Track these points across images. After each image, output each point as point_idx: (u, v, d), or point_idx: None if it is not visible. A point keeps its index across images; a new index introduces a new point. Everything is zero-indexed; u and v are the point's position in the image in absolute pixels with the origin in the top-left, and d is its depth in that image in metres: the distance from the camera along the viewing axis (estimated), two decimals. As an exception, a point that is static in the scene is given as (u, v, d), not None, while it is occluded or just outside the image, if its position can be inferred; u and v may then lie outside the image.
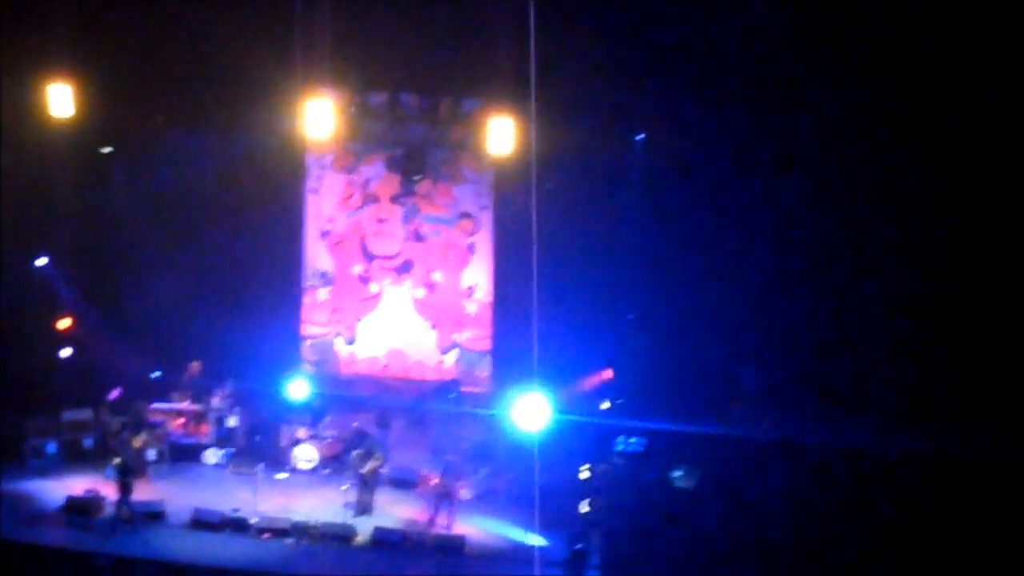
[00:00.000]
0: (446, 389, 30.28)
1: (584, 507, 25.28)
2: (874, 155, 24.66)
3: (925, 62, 23.45)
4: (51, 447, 27.71)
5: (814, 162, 25.64)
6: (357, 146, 32.14)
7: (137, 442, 26.95)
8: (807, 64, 24.80)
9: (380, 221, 32.61)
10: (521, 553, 24.14)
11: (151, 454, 27.29)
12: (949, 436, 23.09)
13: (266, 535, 24.11)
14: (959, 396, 23.44)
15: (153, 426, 27.90)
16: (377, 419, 29.38)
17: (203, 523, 24.26)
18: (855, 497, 23.25)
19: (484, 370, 32.52)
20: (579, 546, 23.90)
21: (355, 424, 28.61)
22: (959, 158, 23.55)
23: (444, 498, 25.29)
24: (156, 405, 28.46)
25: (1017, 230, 23.28)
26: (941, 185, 23.91)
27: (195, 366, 29.58)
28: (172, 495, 25.55)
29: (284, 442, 28.29)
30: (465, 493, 26.82)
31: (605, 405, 28.41)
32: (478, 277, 32.44)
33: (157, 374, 30.09)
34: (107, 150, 30.87)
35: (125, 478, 24.47)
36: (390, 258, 32.70)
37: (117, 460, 25.17)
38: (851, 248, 25.47)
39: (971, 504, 21.87)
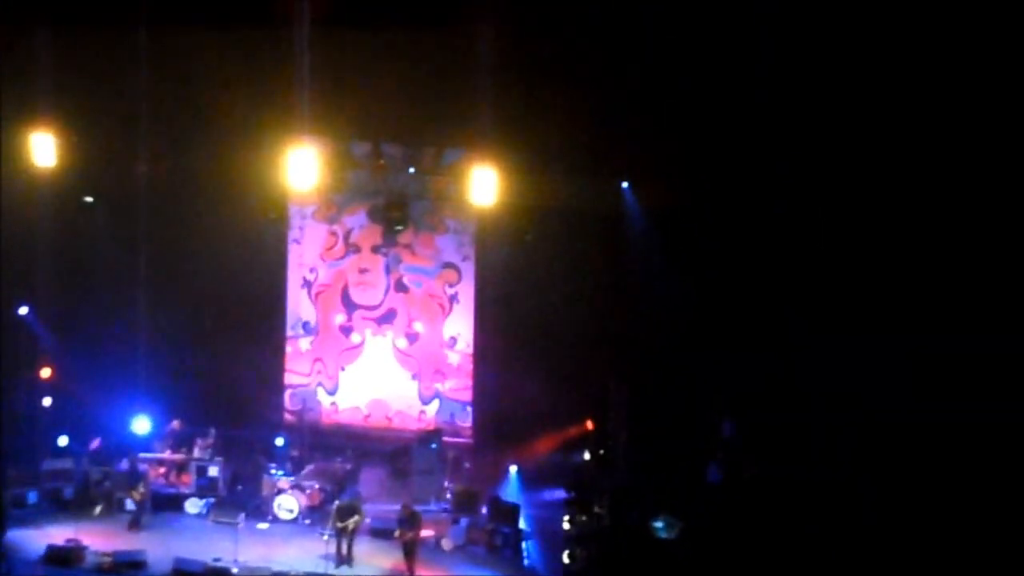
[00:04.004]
0: (428, 439, 30.21)
1: (566, 558, 25.25)
2: (859, 202, 24.76)
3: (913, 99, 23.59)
4: (32, 496, 27.57)
5: (799, 211, 25.72)
6: (339, 196, 32.24)
7: (136, 494, 26.93)
8: (793, 106, 24.92)
9: (362, 271, 32.70)
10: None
11: (129, 503, 27.15)
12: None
13: (247, 585, 24.06)
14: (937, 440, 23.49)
15: (145, 477, 27.79)
16: (354, 471, 29.37)
17: (184, 573, 24.10)
18: (840, 539, 23.34)
19: (466, 420, 32.53)
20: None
21: (336, 474, 28.60)
22: (945, 214, 23.64)
23: (410, 548, 25.14)
24: (139, 455, 28.30)
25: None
26: (924, 239, 24.01)
27: (175, 425, 29.45)
28: (153, 544, 25.33)
29: (266, 491, 28.19)
30: (446, 544, 26.77)
31: (586, 457, 28.44)
32: (460, 327, 32.50)
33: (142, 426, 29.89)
34: (89, 199, 30.86)
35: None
36: (372, 308, 32.77)
37: (99, 509, 25.12)
38: (833, 295, 25.53)
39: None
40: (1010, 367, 22.47)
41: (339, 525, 25.15)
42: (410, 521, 25.15)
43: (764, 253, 26.85)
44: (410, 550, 25.02)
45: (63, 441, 29.26)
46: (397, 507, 26.23)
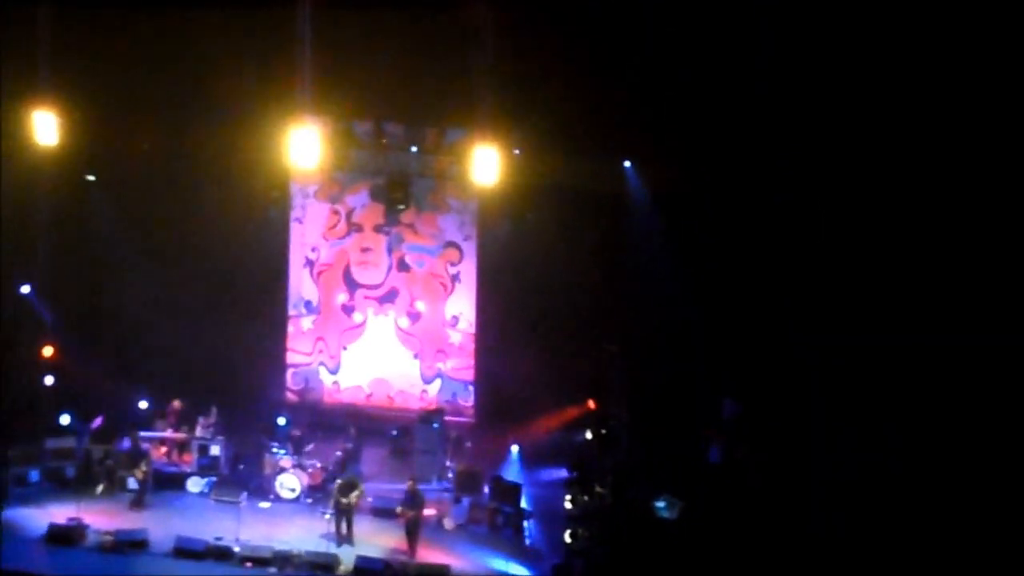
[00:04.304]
0: (429, 418, 30.22)
1: (567, 537, 25.27)
2: (861, 189, 24.70)
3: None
4: (34, 475, 27.62)
5: (801, 194, 25.66)
6: (341, 175, 32.23)
7: (139, 473, 26.99)
8: (797, 91, 24.86)
9: (364, 250, 32.69)
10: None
11: (131, 482, 27.19)
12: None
13: (248, 564, 24.02)
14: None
15: (147, 455, 27.80)
16: (356, 450, 29.39)
17: (186, 551, 24.16)
18: (839, 523, 23.36)
19: (467, 399, 32.55)
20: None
21: (338, 453, 28.62)
22: (945, 216, 23.59)
23: (413, 527, 25.19)
24: (141, 434, 28.30)
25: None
26: (925, 232, 23.97)
27: (176, 404, 29.45)
28: (155, 523, 25.42)
29: (267, 470, 28.22)
30: (448, 523, 26.82)
31: (588, 436, 28.42)
32: (462, 307, 32.52)
33: (144, 405, 29.95)
34: (91, 178, 30.83)
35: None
36: (374, 287, 32.78)
37: (100, 488, 25.18)
38: (836, 278, 25.49)
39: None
40: (1010, 359, 22.47)
41: (341, 501, 25.18)
42: (413, 499, 25.19)
43: (766, 234, 26.79)
44: (412, 529, 25.07)
45: (65, 420, 29.28)
46: (398, 486, 26.31)
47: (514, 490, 27.35)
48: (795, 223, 25.94)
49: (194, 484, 28.04)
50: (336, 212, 32.70)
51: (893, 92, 23.64)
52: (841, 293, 25.06)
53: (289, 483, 27.63)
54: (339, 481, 25.85)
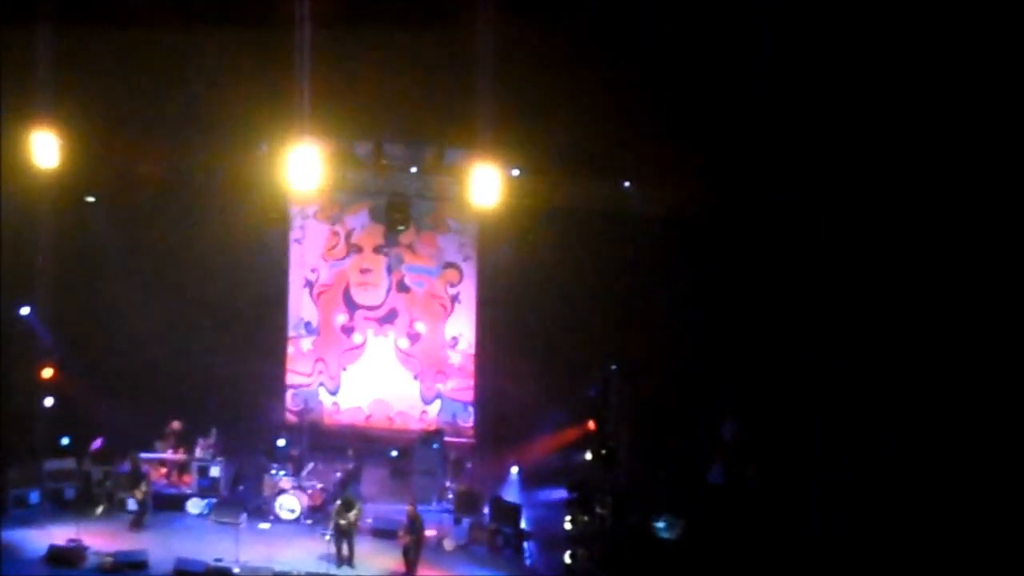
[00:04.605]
0: (429, 439, 30.22)
1: (567, 558, 25.24)
2: (863, 204, 24.71)
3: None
4: (33, 496, 27.62)
5: (802, 214, 25.68)
6: (341, 196, 32.24)
7: (138, 494, 26.99)
8: (797, 109, 24.89)
9: (364, 271, 32.71)
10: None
11: (131, 503, 27.17)
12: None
13: (248, 585, 24.08)
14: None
15: (147, 477, 27.79)
16: (356, 470, 29.39)
17: (186, 573, 24.20)
18: (838, 543, 23.34)
19: (467, 420, 32.54)
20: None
21: (338, 474, 28.62)
22: (951, 232, 23.59)
23: (411, 548, 25.16)
24: (140, 455, 28.29)
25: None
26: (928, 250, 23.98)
27: (176, 425, 29.43)
28: (155, 545, 25.43)
29: (267, 492, 28.21)
30: (448, 544, 26.81)
31: (588, 457, 28.40)
32: (462, 327, 32.52)
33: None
34: (91, 199, 30.84)
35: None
36: (374, 308, 32.79)
37: (100, 509, 25.20)
38: (836, 299, 25.50)
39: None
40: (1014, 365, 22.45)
41: (340, 522, 25.17)
42: (413, 525, 25.17)
43: (767, 254, 26.79)
44: (410, 554, 25.03)
45: (65, 441, 29.26)
46: (398, 507, 26.32)
47: (514, 511, 27.34)
48: (797, 242, 25.94)
49: (194, 505, 28.05)
50: (336, 233, 32.73)
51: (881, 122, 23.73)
52: (841, 310, 25.08)
53: (289, 504, 27.62)
54: (338, 502, 25.85)
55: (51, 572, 24.25)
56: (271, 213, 31.17)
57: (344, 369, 33.03)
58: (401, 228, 31.39)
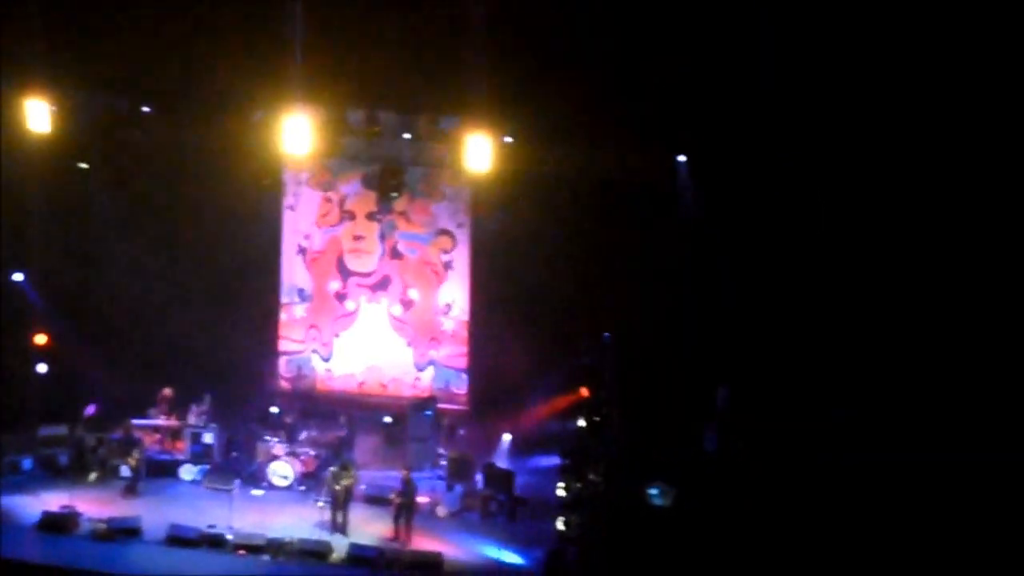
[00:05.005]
0: (422, 406, 30.25)
1: (560, 524, 25.27)
2: (873, 184, 24.73)
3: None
4: (27, 463, 27.68)
5: (794, 180, 25.69)
6: (334, 163, 32.22)
7: (132, 460, 27.04)
8: (801, 96, 24.91)
9: (357, 238, 32.67)
10: (497, 570, 24.20)
11: (124, 470, 27.21)
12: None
13: (242, 552, 24.01)
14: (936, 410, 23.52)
15: (140, 443, 27.81)
16: (349, 437, 29.44)
17: (179, 539, 24.16)
18: (832, 512, 23.38)
19: (460, 387, 32.55)
20: (555, 563, 23.95)
21: (330, 441, 28.66)
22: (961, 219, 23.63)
23: (403, 513, 25.21)
24: (133, 421, 28.32)
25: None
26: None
27: (167, 392, 29.45)
28: (148, 511, 25.41)
29: (260, 458, 28.25)
30: (441, 511, 26.86)
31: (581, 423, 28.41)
32: (455, 294, 32.50)
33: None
34: (84, 166, 30.79)
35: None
36: (367, 275, 32.77)
37: (93, 476, 25.26)
38: (835, 266, 25.52)
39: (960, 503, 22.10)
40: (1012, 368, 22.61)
41: (335, 488, 25.21)
42: (406, 488, 25.22)
43: (760, 221, 26.79)
44: (403, 515, 25.09)
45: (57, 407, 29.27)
46: (392, 474, 26.39)
47: (507, 477, 27.41)
48: (789, 208, 25.95)
49: (187, 472, 28.11)
50: (329, 200, 32.70)
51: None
52: (839, 280, 25.11)
53: (282, 471, 27.67)
54: (332, 468, 25.88)
55: (44, 538, 24.23)
56: (265, 179, 31.21)
57: (337, 336, 33.02)
58: (394, 195, 31.49)
